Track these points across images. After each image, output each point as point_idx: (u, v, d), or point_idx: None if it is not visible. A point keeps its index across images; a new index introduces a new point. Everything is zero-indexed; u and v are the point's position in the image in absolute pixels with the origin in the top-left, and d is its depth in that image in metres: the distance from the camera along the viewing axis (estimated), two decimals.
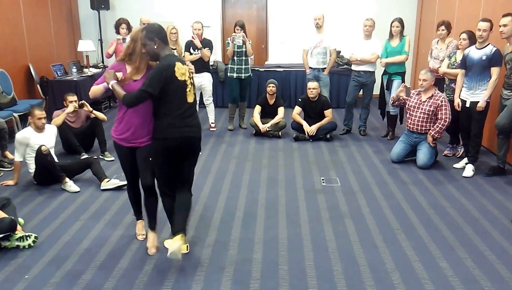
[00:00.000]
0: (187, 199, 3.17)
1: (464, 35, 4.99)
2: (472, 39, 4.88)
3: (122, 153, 3.18)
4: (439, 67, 5.37)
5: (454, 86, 5.09)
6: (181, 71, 2.90)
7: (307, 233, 3.52)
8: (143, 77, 2.96)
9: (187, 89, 2.96)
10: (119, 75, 2.97)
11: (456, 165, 5.04)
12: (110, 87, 2.94)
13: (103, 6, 8.46)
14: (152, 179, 3.13)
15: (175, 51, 6.07)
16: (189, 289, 2.82)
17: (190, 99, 2.98)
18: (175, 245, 2.85)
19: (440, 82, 5.36)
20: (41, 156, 4.22)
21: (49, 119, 4.96)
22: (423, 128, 5.03)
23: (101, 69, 8.01)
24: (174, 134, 2.94)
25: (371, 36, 6.12)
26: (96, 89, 3.05)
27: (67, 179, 4.36)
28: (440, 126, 4.91)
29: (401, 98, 5.23)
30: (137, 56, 2.96)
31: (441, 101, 4.91)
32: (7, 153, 4.98)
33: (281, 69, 8.19)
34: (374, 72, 6.20)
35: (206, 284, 2.87)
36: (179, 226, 2.99)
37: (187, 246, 3.20)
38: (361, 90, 6.33)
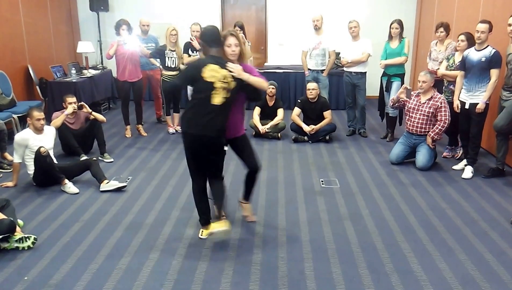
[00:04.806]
0: (219, 186, 3.42)
1: (462, 37, 5.00)
2: (471, 40, 4.89)
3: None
4: (438, 69, 5.38)
5: (452, 88, 5.09)
6: (212, 73, 3.09)
7: (306, 235, 3.52)
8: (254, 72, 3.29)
9: (214, 91, 3.10)
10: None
11: (455, 167, 5.05)
12: None
13: (102, 8, 8.46)
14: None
15: (174, 52, 6.08)
16: None
17: (216, 100, 3.12)
18: (220, 228, 3.25)
19: (439, 84, 5.37)
20: (40, 158, 4.22)
21: (48, 120, 4.97)
22: (423, 129, 5.03)
23: (100, 71, 8.02)
24: (190, 130, 3.18)
25: (358, 36, 6.15)
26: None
27: (66, 181, 4.36)
28: (439, 127, 4.92)
29: (401, 99, 5.23)
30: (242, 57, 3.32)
31: (441, 103, 4.91)
32: (6, 155, 4.97)
33: (281, 71, 8.19)
34: (365, 73, 6.22)
35: (205, 285, 2.87)
36: (220, 212, 3.36)
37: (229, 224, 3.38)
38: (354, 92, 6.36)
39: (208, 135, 3.17)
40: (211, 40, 3.18)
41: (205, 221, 3.44)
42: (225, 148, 3.42)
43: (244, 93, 3.34)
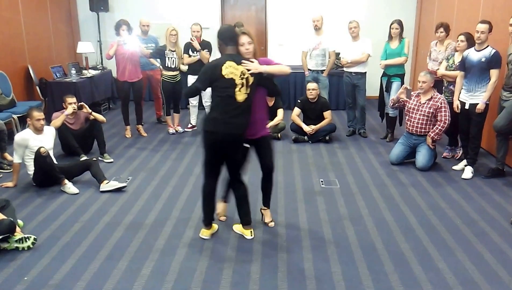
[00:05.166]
0: (242, 191, 3.45)
1: (462, 37, 5.00)
2: (470, 41, 4.89)
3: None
4: (438, 69, 5.38)
5: (452, 88, 5.09)
6: (230, 70, 3.12)
7: (306, 235, 3.53)
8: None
9: (237, 88, 3.13)
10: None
11: (455, 167, 5.04)
12: None
13: (102, 8, 8.46)
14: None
15: (174, 53, 6.08)
16: None
17: (239, 97, 3.15)
18: (248, 236, 3.45)
19: (438, 84, 5.37)
20: (40, 158, 4.22)
21: (48, 120, 4.96)
22: (422, 130, 5.03)
23: (100, 71, 8.02)
24: (216, 128, 3.17)
25: (358, 37, 6.16)
26: None
27: (66, 181, 4.36)
28: (439, 128, 4.92)
29: (401, 100, 5.23)
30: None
31: (441, 103, 4.91)
32: (6, 155, 4.97)
33: None
34: (365, 73, 6.22)
35: (204, 286, 2.87)
36: (247, 219, 3.48)
37: (251, 231, 3.50)
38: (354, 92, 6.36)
39: (235, 133, 3.20)
40: (228, 38, 3.22)
41: (209, 222, 3.47)
42: (247, 145, 3.44)
43: (264, 89, 3.38)
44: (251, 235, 3.45)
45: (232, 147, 3.27)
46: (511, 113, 4.41)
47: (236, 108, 3.15)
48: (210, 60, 6.42)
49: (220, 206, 3.71)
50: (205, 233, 3.46)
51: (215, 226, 3.55)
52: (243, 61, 3.19)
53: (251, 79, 3.18)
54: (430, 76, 5.01)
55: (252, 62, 3.20)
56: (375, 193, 4.39)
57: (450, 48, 5.41)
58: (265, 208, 3.69)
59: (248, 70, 3.17)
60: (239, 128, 3.21)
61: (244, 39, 3.21)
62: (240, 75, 3.14)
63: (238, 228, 3.54)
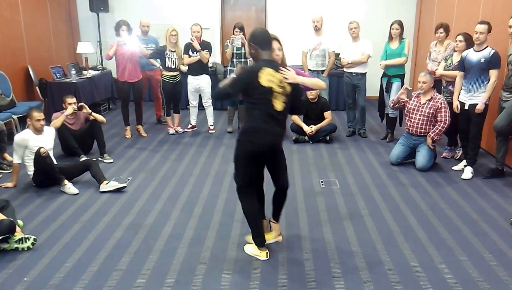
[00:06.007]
0: (284, 195, 3.31)
1: (460, 37, 5.01)
2: (469, 41, 4.90)
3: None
4: (437, 69, 5.38)
5: (451, 88, 5.11)
6: (268, 77, 2.92)
7: (306, 235, 3.52)
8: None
9: (275, 97, 2.95)
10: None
11: (455, 167, 5.05)
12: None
13: (102, 8, 8.46)
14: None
15: (174, 53, 6.08)
16: None
17: (278, 106, 2.98)
18: (273, 239, 3.32)
19: (438, 84, 5.37)
20: (40, 158, 4.22)
21: (48, 121, 4.96)
22: (422, 130, 5.03)
23: (100, 71, 8.02)
24: (256, 139, 2.97)
25: (358, 37, 6.16)
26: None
27: (66, 181, 4.36)
28: (439, 128, 4.92)
29: (401, 100, 5.23)
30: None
31: (441, 104, 4.91)
32: (6, 155, 4.97)
33: None
34: (365, 74, 6.23)
35: (204, 286, 2.87)
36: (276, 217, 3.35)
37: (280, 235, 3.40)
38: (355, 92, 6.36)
39: (275, 143, 3.05)
40: (263, 42, 3.02)
41: (263, 241, 3.21)
42: None
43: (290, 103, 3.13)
44: (266, 256, 3.19)
45: (272, 156, 3.13)
46: (511, 113, 4.41)
47: (275, 117, 2.98)
48: (209, 60, 6.49)
49: (274, 228, 3.39)
50: (264, 255, 3.18)
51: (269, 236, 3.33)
52: (281, 68, 3.03)
53: (288, 88, 3.02)
54: (430, 77, 5.01)
55: (289, 70, 3.07)
56: (375, 193, 4.39)
57: (449, 48, 5.41)
58: (275, 221, 3.40)
59: (285, 78, 3.02)
60: (277, 138, 3.06)
61: (275, 44, 3.09)
62: (279, 83, 2.97)
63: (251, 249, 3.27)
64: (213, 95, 3.25)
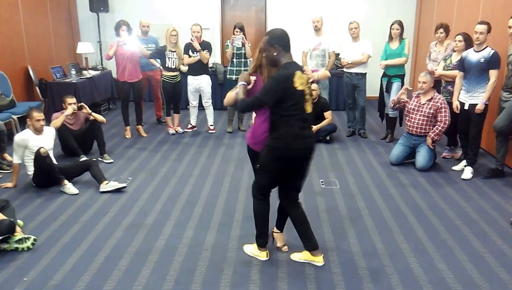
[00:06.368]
0: (301, 213, 3.13)
1: (459, 37, 5.01)
2: (468, 41, 4.90)
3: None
4: (436, 69, 5.38)
5: (450, 88, 5.11)
6: (301, 80, 2.82)
7: None
8: None
9: (306, 99, 2.88)
10: (253, 79, 2.96)
11: (455, 168, 5.04)
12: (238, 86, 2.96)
13: (102, 9, 8.46)
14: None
15: (174, 53, 6.08)
16: None
17: (308, 108, 2.91)
18: (319, 263, 3.08)
19: (437, 84, 5.37)
20: (40, 158, 4.22)
21: (48, 121, 4.96)
22: (423, 130, 5.03)
23: (100, 71, 8.02)
24: (294, 145, 2.86)
25: (359, 37, 6.17)
26: (229, 96, 3.05)
27: (66, 181, 4.36)
28: (439, 128, 4.92)
29: (401, 100, 5.23)
30: (264, 68, 2.93)
31: (441, 104, 4.91)
32: (6, 155, 4.96)
33: None
34: (365, 74, 6.23)
35: (204, 286, 2.87)
36: (314, 243, 3.09)
37: (323, 256, 3.15)
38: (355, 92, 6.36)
39: (312, 147, 2.98)
40: (286, 44, 2.87)
41: (265, 242, 3.19)
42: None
43: None
44: (323, 261, 3.10)
45: (307, 161, 3.03)
46: (511, 113, 4.41)
47: (307, 120, 2.91)
48: (209, 61, 6.49)
49: (278, 238, 3.32)
50: (264, 255, 3.16)
51: (314, 257, 3.16)
52: (304, 68, 2.96)
53: (309, 88, 2.97)
54: (430, 77, 5.02)
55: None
56: (375, 193, 4.39)
57: (449, 48, 5.41)
58: (279, 231, 3.31)
59: (309, 78, 2.96)
60: (312, 141, 2.99)
61: None
62: (306, 84, 2.89)
63: (302, 256, 3.14)
64: (241, 109, 2.95)
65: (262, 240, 3.18)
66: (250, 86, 2.97)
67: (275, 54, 2.83)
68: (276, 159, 2.91)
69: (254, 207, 3.14)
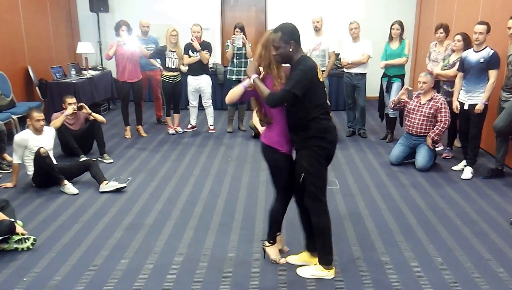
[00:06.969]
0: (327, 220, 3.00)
1: (458, 37, 5.01)
2: (467, 41, 4.90)
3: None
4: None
5: (445, 88, 5.14)
6: (320, 72, 2.80)
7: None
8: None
9: (325, 91, 2.85)
10: (261, 70, 2.81)
11: (455, 168, 5.04)
12: (252, 81, 2.76)
13: (102, 9, 8.46)
14: None
15: (175, 53, 6.08)
16: None
17: (327, 99, 2.90)
18: (330, 276, 2.95)
19: (437, 84, 5.37)
20: (40, 158, 4.22)
21: (48, 121, 4.96)
22: (423, 130, 5.03)
23: (100, 71, 8.02)
24: (331, 138, 2.82)
25: (359, 38, 6.16)
26: (234, 92, 2.88)
27: (65, 181, 4.36)
28: (439, 128, 4.91)
29: (401, 100, 5.23)
30: (273, 65, 2.77)
31: (441, 104, 4.91)
32: (6, 155, 4.97)
33: None
34: (365, 74, 6.22)
35: (204, 286, 2.86)
36: (330, 257, 2.97)
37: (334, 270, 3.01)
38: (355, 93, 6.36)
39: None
40: (298, 38, 2.76)
41: (274, 238, 3.15)
42: None
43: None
44: (334, 274, 2.96)
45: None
46: (511, 114, 4.41)
47: (329, 112, 2.86)
48: (209, 61, 6.48)
49: (277, 240, 3.20)
50: (333, 273, 2.98)
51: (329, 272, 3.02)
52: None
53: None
54: (431, 77, 5.02)
55: None
56: (375, 193, 4.38)
57: (449, 48, 5.41)
58: (279, 233, 3.22)
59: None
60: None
61: None
62: (322, 76, 2.84)
63: (299, 259, 3.10)
64: (271, 103, 2.71)
65: (332, 256, 2.98)
66: (261, 76, 2.80)
67: (291, 49, 2.71)
68: (323, 158, 2.82)
69: (322, 224, 2.92)
